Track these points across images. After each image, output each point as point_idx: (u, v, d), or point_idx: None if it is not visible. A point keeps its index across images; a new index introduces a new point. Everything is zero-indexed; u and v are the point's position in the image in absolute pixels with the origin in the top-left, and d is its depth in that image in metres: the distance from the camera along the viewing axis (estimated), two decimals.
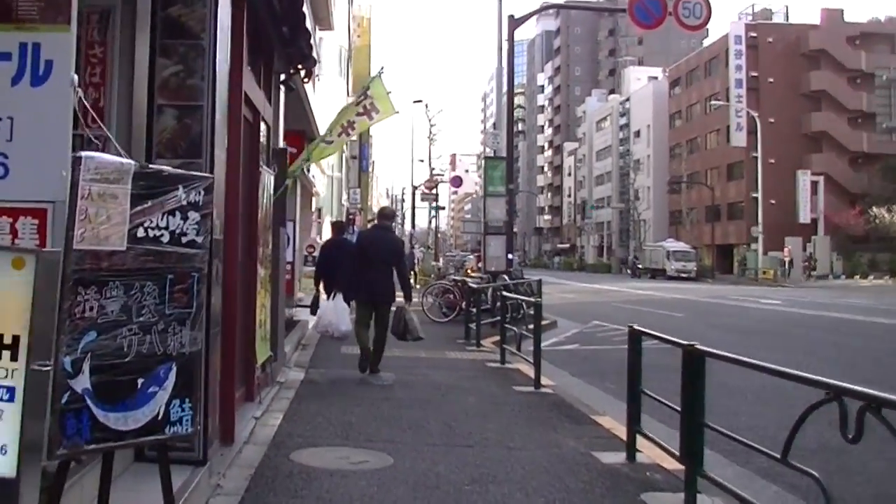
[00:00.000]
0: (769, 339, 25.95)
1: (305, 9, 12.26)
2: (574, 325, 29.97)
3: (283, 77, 14.74)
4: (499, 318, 21.08)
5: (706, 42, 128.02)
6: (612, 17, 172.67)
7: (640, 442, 9.77)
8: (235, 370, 9.74)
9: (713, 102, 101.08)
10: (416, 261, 56.13)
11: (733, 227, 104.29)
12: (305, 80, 15.82)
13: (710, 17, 26.88)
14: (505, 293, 21.14)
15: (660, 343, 9.48)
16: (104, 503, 5.70)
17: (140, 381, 5.44)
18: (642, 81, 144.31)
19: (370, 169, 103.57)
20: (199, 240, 5.84)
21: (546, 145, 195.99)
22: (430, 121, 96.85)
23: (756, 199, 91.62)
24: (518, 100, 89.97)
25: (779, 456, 6.53)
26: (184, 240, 5.72)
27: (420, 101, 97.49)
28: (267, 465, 8.94)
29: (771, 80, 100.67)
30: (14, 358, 4.75)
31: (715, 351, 8.00)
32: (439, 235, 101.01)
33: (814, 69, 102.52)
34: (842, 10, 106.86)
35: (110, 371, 5.21)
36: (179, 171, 5.94)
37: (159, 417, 5.58)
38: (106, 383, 5.19)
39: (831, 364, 19.87)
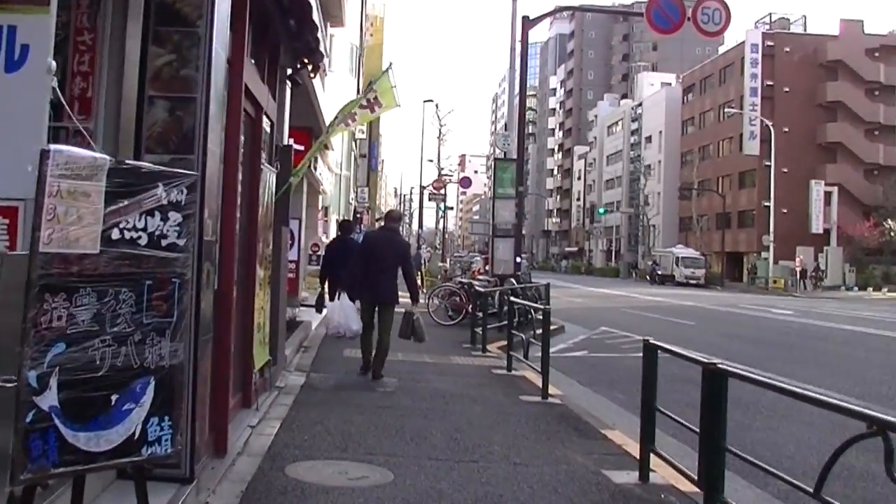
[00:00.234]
0: (783, 351, 25.41)
1: (313, 1, 11.75)
2: (582, 330, 29.49)
3: (289, 72, 14.32)
4: (505, 322, 20.80)
5: (721, 49, 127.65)
6: (626, 21, 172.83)
7: (654, 460, 9.28)
8: (229, 377, 9.24)
9: (727, 110, 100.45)
10: (423, 261, 55.70)
11: (744, 235, 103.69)
12: (312, 74, 15.33)
13: (728, 24, 26.60)
14: (513, 298, 20.61)
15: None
16: None
17: (114, 397, 4.97)
18: (655, 87, 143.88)
19: (379, 168, 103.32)
20: (181, 242, 5.36)
21: (556, 148, 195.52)
22: (440, 120, 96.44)
23: (768, 207, 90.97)
24: (529, 102, 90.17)
25: (811, 490, 5.94)
26: (164, 242, 5.25)
27: (430, 100, 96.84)
28: (260, 481, 8.46)
29: (786, 89, 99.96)
30: None
31: (739, 370, 7.51)
32: (447, 236, 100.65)
33: (831, 80, 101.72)
34: (862, 22, 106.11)
35: (81, 386, 4.74)
36: (160, 167, 5.46)
37: (135, 437, 5.10)
38: (75, 400, 4.71)
39: (847, 379, 19.43)
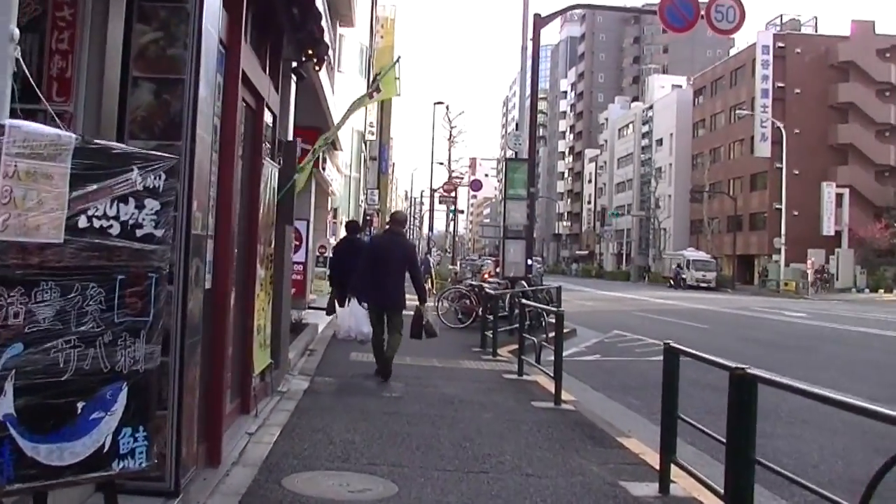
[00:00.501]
0: (800, 354, 24.92)
1: None
2: (594, 334, 28.99)
3: (294, 65, 13.85)
4: (516, 325, 20.38)
5: (732, 52, 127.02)
6: (637, 24, 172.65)
7: (674, 470, 8.72)
8: (224, 382, 8.71)
9: (739, 112, 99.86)
10: (431, 266, 55.38)
11: (755, 238, 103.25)
12: (317, 67, 14.83)
13: (743, 22, 26.38)
14: (524, 301, 20.10)
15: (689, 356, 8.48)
16: None
17: (80, 405, 4.45)
18: (666, 90, 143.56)
19: (390, 171, 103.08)
20: (159, 233, 4.84)
21: (567, 151, 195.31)
22: (450, 123, 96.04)
23: (779, 210, 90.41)
24: (540, 105, 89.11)
25: None
26: (138, 232, 4.73)
27: (441, 102, 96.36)
28: (254, 494, 7.89)
29: (798, 90, 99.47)
30: None
31: (770, 377, 6.97)
32: (457, 239, 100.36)
33: (842, 81, 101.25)
34: (873, 23, 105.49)
35: (41, 392, 4.22)
36: (133, 148, 4.91)
37: (105, 450, 4.58)
38: (35, 408, 4.19)
39: (870, 383, 18.98)
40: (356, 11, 39.99)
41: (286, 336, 14.64)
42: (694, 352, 8.65)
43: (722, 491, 7.22)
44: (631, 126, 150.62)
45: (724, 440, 7.17)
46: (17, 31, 4.48)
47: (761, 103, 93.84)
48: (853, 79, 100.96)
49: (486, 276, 39.92)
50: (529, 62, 31.14)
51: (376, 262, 15.81)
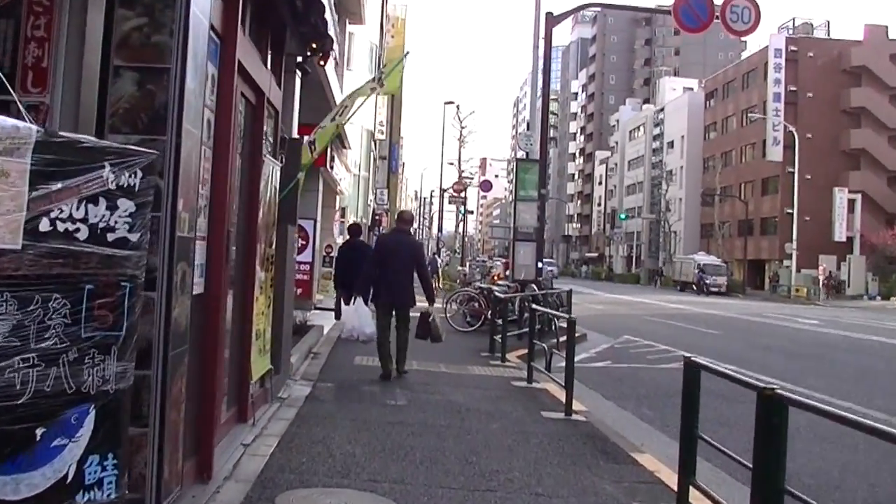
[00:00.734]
0: (814, 363, 24.41)
1: None
2: (604, 339, 28.52)
3: (298, 59, 13.39)
4: (525, 330, 20.32)
5: (744, 55, 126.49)
6: (648, 26, 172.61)
7: (692, 492, 8.22)
8: (217, 392, 8.22)
9: (751, 115, 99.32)
10: (437, 266, 54.97)
11: (766, 243, 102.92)
12: (322, 62, 14.31)
13: (758, 23, 26.19)
14: (535, 306, 19.66)
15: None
16: None
17: (39, 431, 3.96)
18: (677, 92, 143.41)
19: (400, 171, 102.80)
20: (134, 237, 4.34)
21: (577, 153, 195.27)
22: (461, 122, 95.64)
23: (790, 214, 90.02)
24: (551, 106, 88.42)
25: None
26: (110, 237, 4.23)
27: (452, 102, 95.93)
28: None
29: (810, 94, 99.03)
30: None
31: (803, 399, 6.44)
32: (466, 240, 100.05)
33: (855, 85, 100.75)
34: (886, 27, 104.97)
35: None
36: (106, 143, 4.41)
37: (68, 480, 4.08)
38: None
39: (884, 395, 18.52)
40: (366, 9, 39.57)
41: (288, 340, 14.16)
42: (717, 366, 8.18)
43: None
44: (642, 128, 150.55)
45: (750, 465, 6.67)
46: None
47: (773, 107, 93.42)
48: (866, 83, 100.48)
49: (496, 278, 39.55)
50: (541, 62, 30.76)
51: (384, 261, 15.87)
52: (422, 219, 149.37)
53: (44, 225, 3.86)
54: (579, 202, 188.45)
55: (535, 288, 27.37)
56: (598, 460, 10.42)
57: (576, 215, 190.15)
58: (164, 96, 5.96)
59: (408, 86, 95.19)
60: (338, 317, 23.47)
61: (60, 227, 3.94)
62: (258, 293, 10.53)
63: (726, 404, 14.29)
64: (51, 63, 5.70)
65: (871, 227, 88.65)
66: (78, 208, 4.03)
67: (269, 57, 11.16)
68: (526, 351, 18.49)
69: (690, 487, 8.13)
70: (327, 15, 11.77)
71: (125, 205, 4.28)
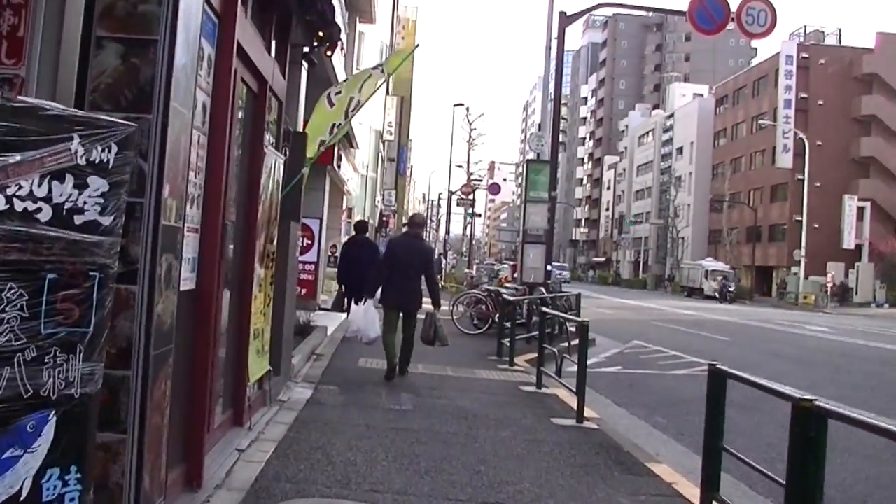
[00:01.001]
0: (828, 372, 23.91)
1: None
2: (614, 343, 28.01)
3: (305, 50, 12.95)
4: (534, 334, 20.16)
5: (754, 62, 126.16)
6: (659, 32, 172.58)
7: None
8: (208, 395, 7.70)
9: (761, 122, 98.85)
10: (441, 268, 54.69)
11: (774, 250, 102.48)
12: (329, 52, 13.83)
13: (774, 26, 25.74)
14: (545, 310, 19.22)
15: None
16: None
17: None
18: (687, 98, 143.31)
19: (408, 173, 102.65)
20: (106, 221, 3.82)
21: (586, 157, 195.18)
22: (470, 125, 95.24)
23: (799, 222, 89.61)
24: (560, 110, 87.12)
25: None
26: (78, 219, 3.71)
27: (461, 104, 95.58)
28: None
29: (821, 102, 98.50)
30: None
31: (843, 411, 5.92)
32: (473, 243, 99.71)
33: (866, 93, 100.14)
34: None
35: None
36: (74, 111, 3.89)
37: (22, 497, 3.56)
38: None
39: None
40: (377, 9, 39.25)
41: (289, 341, 13.65)
42: (744, 375, 7.60)
43: None
44: (651, 134, 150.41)
45: (782, 481, 6.18)
46: None
47: (784, 114, 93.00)
48: (877, 91, 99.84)
49: (503, 281, 39.18)
50: (553, 63, 30.39)
51: (394, 263, 15.97)
52: (429, 221, 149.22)
53: None
54: (587, 207, 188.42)
55: (544, 291, 27.05)
56: (612, 471, 9.91)
57: (583, 220, 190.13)
58: (151, 71, 5.42)
59: (417, 88, 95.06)
60: (338, 309, 23.78)
61: (19, 205, 3.44)
62: (256, 291, 10.02)
63: (741, 413, 13.84)
64: (27, 32, 5.17)
65: (879, 236, 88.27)
66: (40, 185, 3.53)
67: (274, 45, 10.73)
68: (534, 355, 18.21)
69: (714, 502, 7.62)
70: (335, 1, 11.27)
71: (96, 183, 3.79)
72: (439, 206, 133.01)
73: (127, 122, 4.22)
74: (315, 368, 16.17)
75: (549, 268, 29.07)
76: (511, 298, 22.77)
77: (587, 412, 13.15)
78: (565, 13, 29.29)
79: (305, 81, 14.18)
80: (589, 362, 19.20)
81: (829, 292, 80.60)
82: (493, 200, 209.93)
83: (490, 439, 11.09)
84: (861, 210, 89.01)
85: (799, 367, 24.70)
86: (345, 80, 15.09)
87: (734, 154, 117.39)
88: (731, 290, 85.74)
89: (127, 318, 5.20)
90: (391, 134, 62.29)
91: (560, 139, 32.45)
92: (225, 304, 8.72)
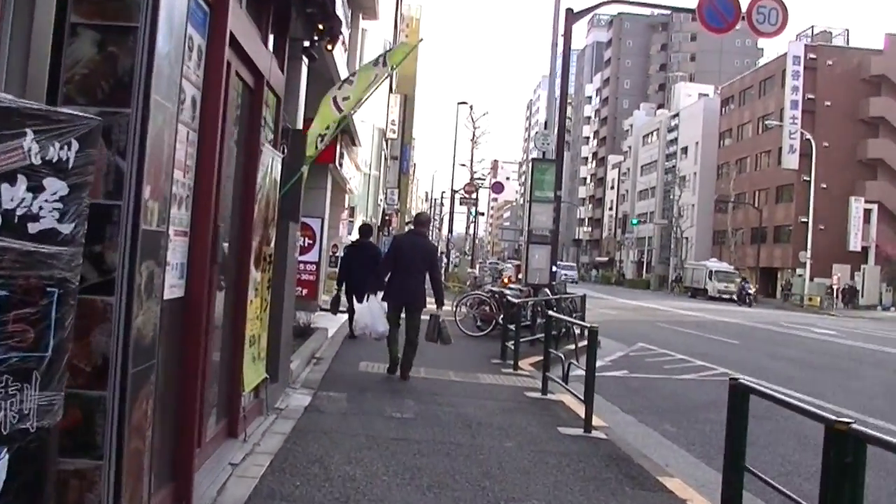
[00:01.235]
0: (839, 377, 23.50)
1: None
2: (619, 346, 27.58)
3: (305, 44, 12.50)
4: (538, 336, 20.26)
5: (761, 62, 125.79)
6: (665, 31, 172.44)
7: None
8: (200, 408, 7.25)
9: (767, 123, 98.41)
10: (446, 263, 54.47)
11: (779, 251, 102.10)
12: (329, 46, 13.34)
13: (786, 25, 25.75)
14: (551, 313, 18.83)
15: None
16: None
17: None
18: (693, 98, 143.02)
19: (411, 171, 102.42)
20: (66, 229, 3.37)
21: (590, 157, 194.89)
22: (474, 123, 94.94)
23: (804, 223, 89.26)
24: None
25: None
26: (33, 227, 3.26)
27: (465, 102, 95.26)
28: None
29: (828, 103, 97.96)
30: None
31: (883, 437, 5.45)
32: (476, 242, 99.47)
33: (874, 95, 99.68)
34: None
35: None
36: (27, 103, 3.42)
37: None
38: None
39: None
40: (380, 5, 38.84)
41: (287, 346, 13.19)
42: (768, 390, 7.13)
43: None
44: (656, 133, 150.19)
45: None
46: None
47: (790, 115, 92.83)
48: (885, 93, 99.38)
49: (506, 281, 38.79)
50: (559, 60, 30.07)
51: (398, 260, 16.10)
52: (432, 220, 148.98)
53: None
54: (591, 206, 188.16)
55: (549, 292, 26.70)
56: (623, 486, 9.45)
57: (587, 219, 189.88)
58: (130, 61, 4.95)
59: (420, 86, 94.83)
60: (334, 312, 23.70)
61: None
62: (252, 295, 9.56)
63: (752, 422, 13.27)
64: None
65: (886, 238, 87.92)
66: None
67: (272, 38, 10.29)
68: (538, 358, 18.12)
69: None
70: None
71: (54, 186, 3.34)
72: (442, 204, 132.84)
73: (90, 116, 3.77)
74: (315, 373, 15.74)
75: (554, 268, 28.70)
76: (515, 300, 22.25)
77: (595, 420, 12.68)
78: (572, 10, 28.95)
79: (306, 78, 13.72)
80: None
81: (835, 294, 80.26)
82: (496, 199, 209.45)
83: (495, 450, 10.62)
84: (868, 212, 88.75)
85: (807, 371, 24.33)
86: (346, 79, 14.60)
87: (739, 154, 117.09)
88: (751, 292, 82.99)
89: (103, 332, 4.74)
90: (394, 132, 61.93)
91: (564, 138, 32.10)
92: (219, 311, 8.29)
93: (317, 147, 13.19)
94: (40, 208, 3.27)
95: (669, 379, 20.58)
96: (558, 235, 30.18)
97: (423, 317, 16.36)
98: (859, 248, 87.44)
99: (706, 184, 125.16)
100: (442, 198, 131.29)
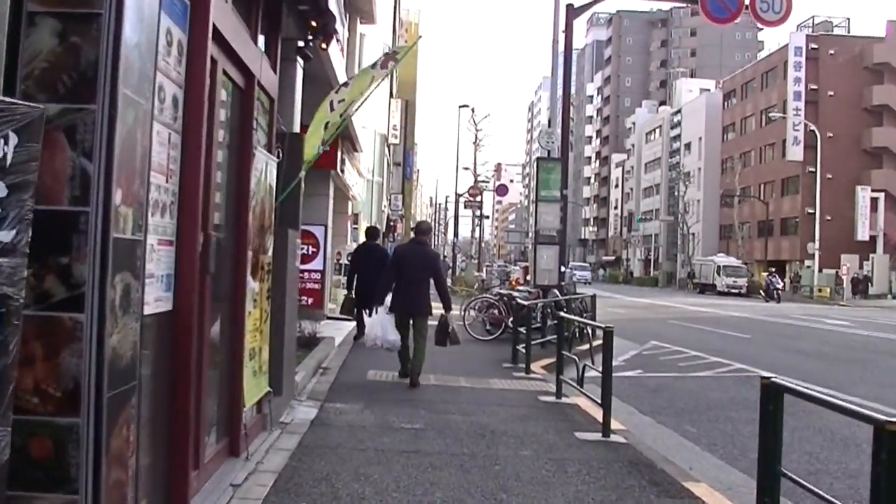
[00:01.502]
0: (859, 369, 23.02)
1: None
2: (631, 345, 27.08)
3: (300, 44, 12.10)
4: (550, 338, 20.10)
5: (761, 55, 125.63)
6: (664, 27, 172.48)
7: None
8: (191, 431, 6.72)
9: (771, 115, 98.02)
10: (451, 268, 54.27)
11: (786, 243, 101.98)
12: (324, 46, 12.88)
13: (790, 13, 25.49)
14: (562, 314, 18.41)
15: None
16: None
17: None
18: (694, 93, 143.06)
19: (414, 177, 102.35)
20: (6, 237, 2.91)
21: (593, 156, 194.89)
22: (476, 125, 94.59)
23: (811, 214, 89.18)
24: None
25: None
26: None
27: (466, 105, 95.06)
28: None
29: (831, 93, 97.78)
30: None
31: None
32: (482, 245, 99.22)
33: (877, 83, 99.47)
34: None
35: None
36: None
37: None
38: None
39: None
40: (378, 8, 38.46)
41: (291, 357, 12.69)
42: (807, 390, 6.60)
43: None
44: (658, 130, 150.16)
45: None
46: None
47: (794, 106, 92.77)
48: (888, 81, 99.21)
49: (514, 283, 38.44)
50: (561, 59, 29.74)
51: (401, 271, 16.17)
52: (437, 225, 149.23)
53: None
54: (595, 205, 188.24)
55: (558, 293, 26.28)
56: (647, 494, 8.96)
57: (592, 219, 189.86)
58: (95, 52, 4.47)
59: (421, 92, 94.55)
60: (349, 315, 23.54)
61: None
62: (251, 307, 9.09)
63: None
64: None
65: (894, 226, 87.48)
66: None
67: (264, 37, 9.83)
68: (550, 360, 17.91)
69: None
70: None
71: None
72: (446, 209, 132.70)
73: (31, 105, 3.31)
74: (321, 384, 15.27)
75: (563, 269, 28.34)
76: (525, 302, 21.84)
77: (613, 423, 12.20)
78: (573, 5, 28.57)
79: (302, 80, 13.27)
80: None
81: (847, 284, 79.86)
82: (500, 202, 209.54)
83: (511, 460, 10.12)
84: (874, 201, 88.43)
85: (824, 364, 23.94)
86: (344, 84, 14.22)
87: (743, 148, 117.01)
88: (779, 287, 78.77)
89: (73, 353, 4.28)
90: (396, 137, 61.58)
91: (569, 135, 31.74)
92: (216, 324, 7.84)
93: (317, 151, 12.83)
94: None
95: (685, 377, 20.15)
96: (566, 235, 29.81)
97: (431, 322, 16.42)
98: (867, 238, 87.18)
99: (711, 179, 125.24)
100: (446, 202, 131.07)
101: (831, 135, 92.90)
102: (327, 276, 27.96)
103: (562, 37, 29.29)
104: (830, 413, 5.67)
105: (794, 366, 22.24)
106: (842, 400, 6.00)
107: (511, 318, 23.58)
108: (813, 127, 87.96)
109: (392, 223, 64.83)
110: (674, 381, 19.67)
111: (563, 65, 29.48)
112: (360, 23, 36.44)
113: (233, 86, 8.34)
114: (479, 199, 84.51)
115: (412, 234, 18.70)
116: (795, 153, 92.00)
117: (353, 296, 21.97)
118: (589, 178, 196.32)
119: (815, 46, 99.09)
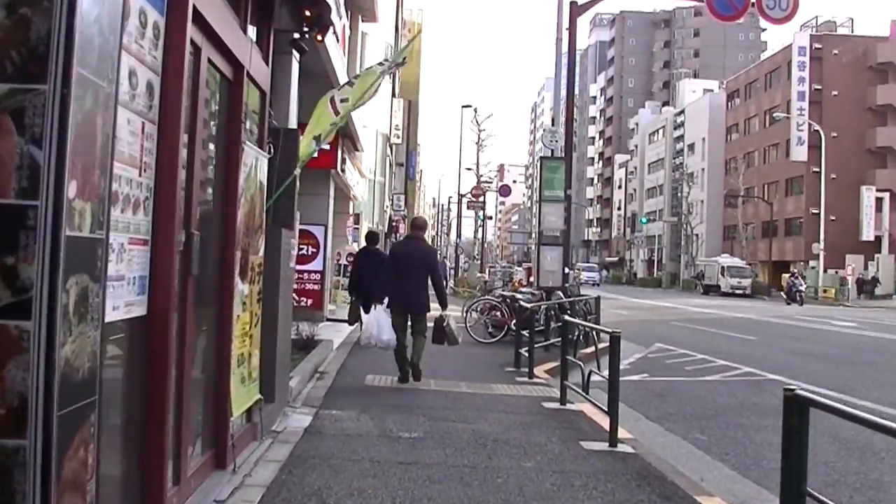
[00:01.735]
0: (869, 371, 22.59)
1: None
2: (636, 347, 26.57)
3: (296, 36, 11.60)
4: (553, 341, 20.04)
5: (765, 55, 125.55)
6: (667, 28, 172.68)
7: None
8: (167, 448, 6.21)
9: (775, 115, 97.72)
10: (446, 270, 54.01)
11: (791, 244, 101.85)
12: (319, 37, 12.36)
13: (796, 11, 25.32)
14: (567, 317, 17.94)
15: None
16: None
17: None
18: (697, 94, 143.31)
19: (417, 177, 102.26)
20: None
21: (596, 157, 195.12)
22: (478, 125, 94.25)
23: (815, 215, 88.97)
24: None
25: None
26: None
27: (469, 105, 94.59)
28: None
29: (835, 93, 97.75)
30: None
31: None
32: (485, 246, 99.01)
33: (881, 83, 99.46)
34: None
35: None
36: None
37: None
38: None
39: None
40: (380, 8, 38.07)
41: (284, 362, 12.17)
42: (838, 405, 6.05)
43: None
44: (661, 131, 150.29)
45: None
46: None
47: (798, 106, 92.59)
48: (892, 80, 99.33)
49: (518, 285, 38.11)
50: (564, 58, 29.42)
51: (398, 267, 16.19)
52: (440, 226, 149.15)
53: None
54: (599, 206, 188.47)
55: (562, 295, 25.91)
56: None
57: (595, 220, 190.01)
58: (46, 26, 3.96)
59: (424, 92, 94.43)
60: (351, 323, 22.97)
61: None
62: (239, 310, 8.61)
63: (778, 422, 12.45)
64: None
65: None
66: None
67: (255, 27, 9.37)
68: (553, 364, 17.65)
69: None
70: None
71: None
72: (449, 210, 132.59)
73: None
74: (317, 389, 14.76)
75: (567, 270, 27.94)
76: (528, 305, 21.32)
77: (620, 432, 11.70)
78: (576, 2, 28.16)
79: (298, 75, 12.79)
80: None
81: (851, 284, 79.63)
82: (503, 203, 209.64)
83: (514, 473, 9.60)
84: (879, 201, 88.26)
85: (834, 366, 23.53)
86: (349, 82, 13.80)
87: (747, 149, 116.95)
88: (802, 288, 74.21)
89: (19, 366, 3.77)
90: (398, 137, 61.30)
91: (573, 135, 31.37)
92: (197, 328, 7.35)
93: (313, 148, 12.39)
94: None
95: (692, 381, 19.74)
96: (570, 236, 29.43)
97: (429, 323, 16.41)
98: (872, 238, 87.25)
99: (715, 179, 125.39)
100: (449, 203, 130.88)
101: (835, 135, 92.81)
102: (327, 276, 27.67)
103: (565, 35, 29.01)
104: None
105: (802, 369, 21.94)
106: (876, 415, 5.49)
107: (514, 321, 23.14)
108: (817, 127, 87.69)
109: (394, 223, 64.55)
110: (681, 385, 19.25)
111: (567, 62, 29.17)
112: (362, 21, 36.06)
113: (220, 76, 7.86)
114: (481, 199, 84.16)
115: (409, 231, 18.73)
116: (799, 153, 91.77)
117: (361, 301, 21.80)
118: (592, 179, 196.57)
119: (819, 46, 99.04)
